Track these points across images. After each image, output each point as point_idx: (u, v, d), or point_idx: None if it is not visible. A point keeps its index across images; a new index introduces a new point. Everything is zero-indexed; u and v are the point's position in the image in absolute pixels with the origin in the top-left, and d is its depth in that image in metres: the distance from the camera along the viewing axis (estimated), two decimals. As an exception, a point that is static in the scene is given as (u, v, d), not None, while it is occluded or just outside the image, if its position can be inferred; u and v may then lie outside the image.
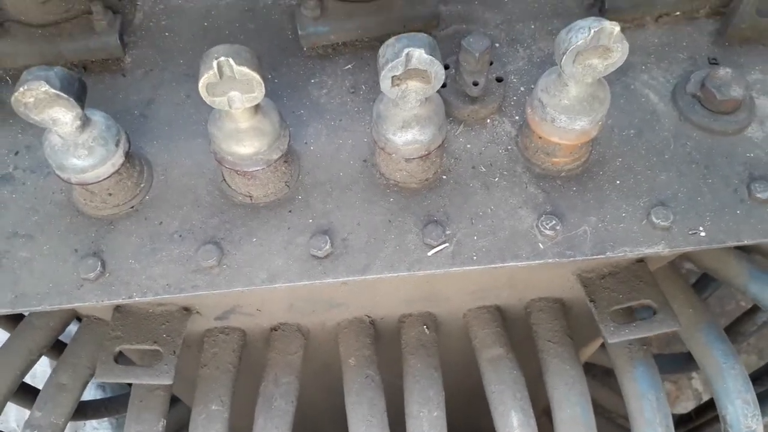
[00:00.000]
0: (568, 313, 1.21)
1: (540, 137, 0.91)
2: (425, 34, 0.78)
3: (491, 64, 1.02)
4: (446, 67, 1.03)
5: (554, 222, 0.90)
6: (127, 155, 0.90)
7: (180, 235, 0.92)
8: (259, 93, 0.79)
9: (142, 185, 0.95)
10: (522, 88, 1.04)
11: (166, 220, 0.94)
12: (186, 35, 1.13)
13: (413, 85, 0.80)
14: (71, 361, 1.15)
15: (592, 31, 0.76)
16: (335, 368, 1.14)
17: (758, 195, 0.92)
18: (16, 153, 1.02)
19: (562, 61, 0.79)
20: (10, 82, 1.09)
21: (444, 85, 1.01)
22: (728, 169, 0.96)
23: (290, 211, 0.94)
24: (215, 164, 0.96)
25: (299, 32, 1.05)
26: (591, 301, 1.05)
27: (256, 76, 0.77)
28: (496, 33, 1.10)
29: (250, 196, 0.94)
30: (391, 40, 0.78)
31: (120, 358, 1.05)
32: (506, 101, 1.02)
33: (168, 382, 1.00)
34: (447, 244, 0.90)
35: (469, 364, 1.18)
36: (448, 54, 1.07)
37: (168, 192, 0.96)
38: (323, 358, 1.23)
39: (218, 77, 0.76)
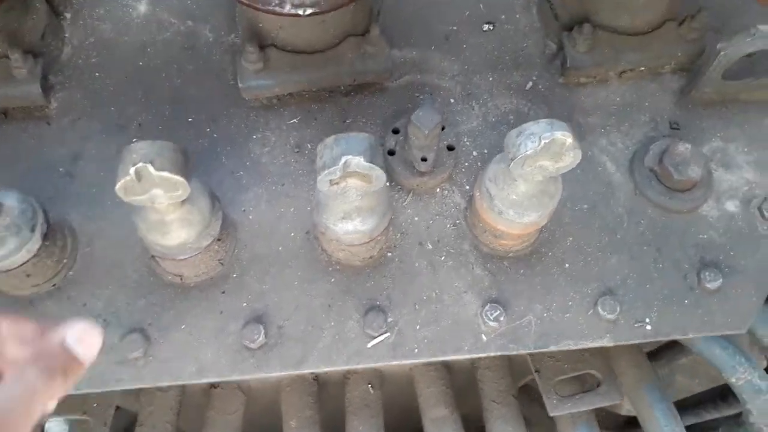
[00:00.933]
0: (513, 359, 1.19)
1: (485, 221, 0.87)
2: (365, 136, 0.72)
3: (443, 129, 0.96)
4: (396, 132, 0.97)
5: (498, 312, 0.87)
6: (46, 236, 0.83)
7: (104, 320, 0.87)
8: (183, 192, 0.73)
9: (64, 261, 0.89)
10: (475, 153, 0.99)
11: (90, 301, 0.88)
12: (118, 76, 1.04)
13: (353, 182, 0.74)
14: None
15: (543, 141, 0.71)
16: (276, 428, 1.12)
17: (707, 285, 0.89)
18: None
19: (511, 164, 0.74)
20: None
21: (392, 153, 0.95)
22: (680, 252, 0.93)
23: (223, 292, 0.89)
24: (145, 236, 0.90)
25: (239, 84, 0.98)
26: (536, 371, 1.04)
27: (179, 180, 0.70)
28: (451, 85, 1.04)
29: (181, 276, 0.89)
30: (330, 142, 0.72)
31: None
32: (458, 167, 0.97)
33: (99, 454, 0.97)
34: (388, 334, 0.87)
35: (415, 419, 1.16)
36: (401, 109, 1.01)
37: (93, 268, 0.90)
38: (264, 416, 1.20)
39: (136, 181, 0.69)
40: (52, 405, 0.54)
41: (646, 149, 0.97)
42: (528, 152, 0.72)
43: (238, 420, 1.11)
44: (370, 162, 0.70)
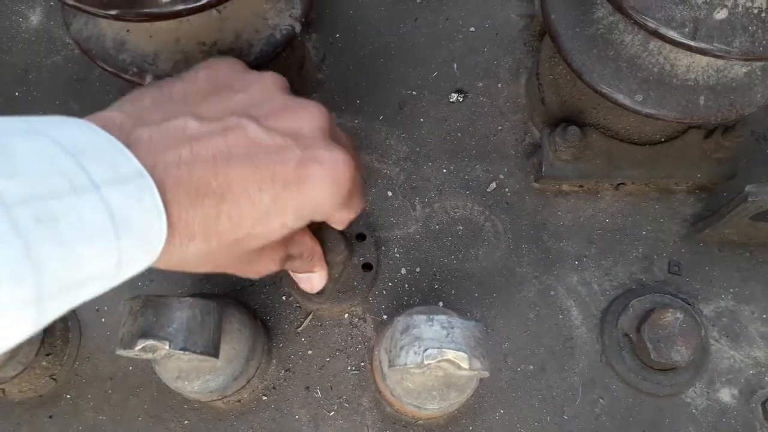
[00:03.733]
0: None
1: (385, 397, 0.66)
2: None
3: (363, 239, 0.74)
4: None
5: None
6: None
7: None
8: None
9: None
10: (403, 270, 0.76)
11: None
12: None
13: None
14: None
15: (427, 361, 0.49)
16: None
17: None
18: None
19: (388, 371, 0.52)
20: None
21: (290, 264, 0.74)
22: (643, 458, 0.70)
23: (50, 417, 0.71)
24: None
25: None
26: None
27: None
28: (393, 173, 0.81)
29: (2, 390, 0.71)
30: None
31: None
32: (377, 286, 0.76)
33: None
34: None
35: None
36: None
37: None
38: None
39: None
40: None
41: (626, 304, 0.73)
42: (409, 365, 0.50)
43: None
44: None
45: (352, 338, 0.74)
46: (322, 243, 0.62)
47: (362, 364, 0.73)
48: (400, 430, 0.71)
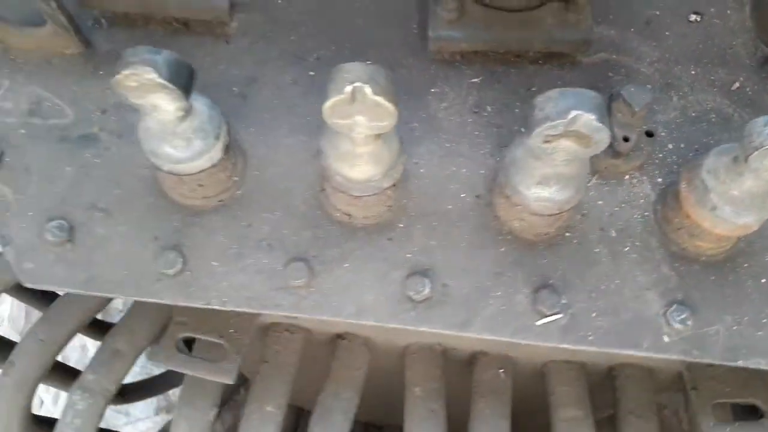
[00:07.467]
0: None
1: (689, 217, 0.79)
2: (595, 94, 0.66)
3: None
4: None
5: (686, 315, 0.79)
6: (226, 149, 0.81)
7: (269, 244, 0.85)
8: (388, 124, 0.69)
9: (235, 179, 0.87)
10: (670, 146, 0.91)
11: (255, 223, 0.86)
12: (302, 6, 1.01)
13: (566, 145, 0.68)
14: (128, 328, 1.11)
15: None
16: (393, 388, 1.08)
17: None
18: (104, 111, 0.93)
19: (752, 155, 0.66)
20: (104, 24, 1.00)
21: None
22: None
23: (389, 239, 0.85)
24: (317, 170, 0.87)
25: (429, 33, 0.93)
26: (693, 389, 0.95)
27: (390, 108, 0.66)
28: (649, 72, 0.96)
29: (349, 215, 0.85)
30: (554, 94, 0.66)
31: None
32: (651, 157, 0.90)
33: (229, 382, 0.95)
34: (561, 315, 0.81)
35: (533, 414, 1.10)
36: (592, 87, 0.93)
37: (261, 191, 0.88)
38: (383, 376, 1.16)
39: (349, 102, 0.66)
40: None
41: None
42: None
43: (362, 377, 1.07)
44: (601, 122, 0.65)
45: (633, 194, 0.88)
46: None
47: (645, 214, 0.87)
48: (686, 264, 0.84)
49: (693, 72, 0.96)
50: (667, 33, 0.99)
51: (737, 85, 0.96)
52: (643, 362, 1.07)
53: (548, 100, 0.66)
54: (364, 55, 0.97)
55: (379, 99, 0.65)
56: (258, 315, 1.00)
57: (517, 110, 0.93)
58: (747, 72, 0.96)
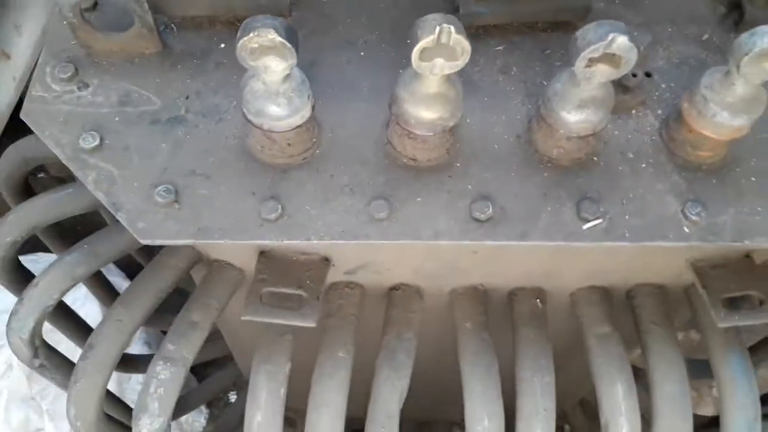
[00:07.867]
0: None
1: (691, 131, 0.99)
2: (623, 24, 0.85)
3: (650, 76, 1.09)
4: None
5: (699, 209, 0.98)
6: (312, 108, 0.97)
7: (351, 189, 0.99)
8: (462, 61, 0.86)
9: (314, 140, 1.02)
10: (663, 85, 1.11)
11: (336, 174, 1.01)
12: (345, 2, 1.18)
13: (602, 68, 0.87)
14: (202, 300, 1.22)
15: (782, 36, 0.83)
16: (440, 335, 1.22)
17: None
18: (187, 97, 1.08)
19: (742, 61, 0.86)
20: (175, 30, 1.15)
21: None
22: None
23: (450, 177, 1.01)
24: (381, 127, 1.03)
25: (461, 11, 1.12)
26: (703, 287, 1.13)
27: (467, 46, 0.83)
28: (638, 32, 1.17)
29: (414, 159, 1.01)
30: (592, 25, 0.85)
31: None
32: (649, 96, 1.10)
33: (312, 324, 1.07)
34: (601, 220, 0.98)
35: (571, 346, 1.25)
36: (593, 46, 1.14)
37: (336, 149, 1.03)
38: (432, 323, 1.30)
39: (435, 43, 0.82)
40: None
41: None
42: (765, 47, 0.84)
43: (418, 320, 1.21)
44: (632, 42, 0.83)
45: (641, 124, 1.07)
46: None
47: (653, 138, 1.06)
48: (692, 172, 1.03)
49: (670, 29, 1.18)
50: (646, 2, 1.21)
51: (706, 36, 1.18)
52: (656, 280, 1.25)
53: (587, 30, 0.84)
54: (404, 37, 1.14)
55: (461, 38, 0.82)
56: (328, 267, 1.14)
57: (537, 68, 1.12)
58: (712, 26, 1.19)
